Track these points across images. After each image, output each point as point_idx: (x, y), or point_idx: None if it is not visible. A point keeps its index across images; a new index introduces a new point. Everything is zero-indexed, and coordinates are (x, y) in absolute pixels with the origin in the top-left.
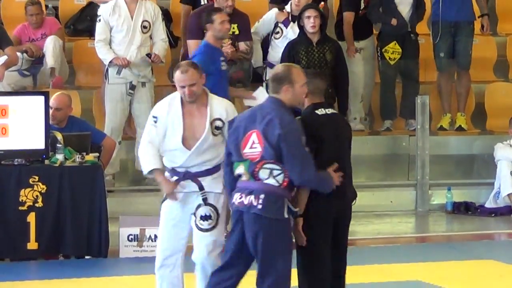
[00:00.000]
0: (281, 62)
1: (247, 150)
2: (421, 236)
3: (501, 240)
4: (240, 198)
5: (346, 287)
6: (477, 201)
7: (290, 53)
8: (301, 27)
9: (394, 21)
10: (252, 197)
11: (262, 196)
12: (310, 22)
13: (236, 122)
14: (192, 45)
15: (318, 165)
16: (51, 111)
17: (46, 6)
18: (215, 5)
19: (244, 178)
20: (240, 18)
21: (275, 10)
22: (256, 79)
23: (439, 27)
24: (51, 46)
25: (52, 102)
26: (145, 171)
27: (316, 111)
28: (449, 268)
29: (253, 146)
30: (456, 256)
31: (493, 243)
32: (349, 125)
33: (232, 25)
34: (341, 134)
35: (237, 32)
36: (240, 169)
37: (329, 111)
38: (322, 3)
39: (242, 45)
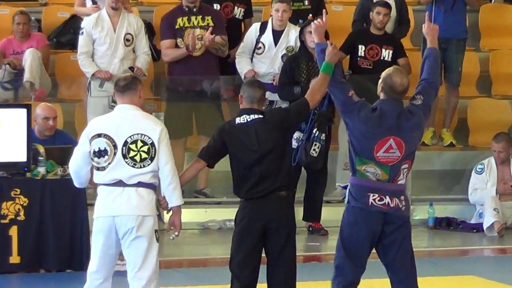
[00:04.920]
0: (281, 74)
1: (381, 154)
2: None
3: (482, 255)
4: (381, 200)
5: None
6: (459, 217)
7: (292, 66)
8: (302, 42)
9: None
10: (397, 200)
11: (402, 197)
12: (312, 38)
13: (372, 128)
14: (164, 45)
15: None
16: (42, 121)
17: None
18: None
19: (374, 178)
20: (213, 12)
21: (255, 25)
22: None
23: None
24: (29, 60)
25: (44, 112)
26: None
27: None
28: (431, 284)
29: (390, 151)
30: (437, 272)
31: (475, 259)
32: None
33: (206, 17)
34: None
35: (211, 24)
36: (372, 169)
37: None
38: (311, 15)
39: (217, 38)
